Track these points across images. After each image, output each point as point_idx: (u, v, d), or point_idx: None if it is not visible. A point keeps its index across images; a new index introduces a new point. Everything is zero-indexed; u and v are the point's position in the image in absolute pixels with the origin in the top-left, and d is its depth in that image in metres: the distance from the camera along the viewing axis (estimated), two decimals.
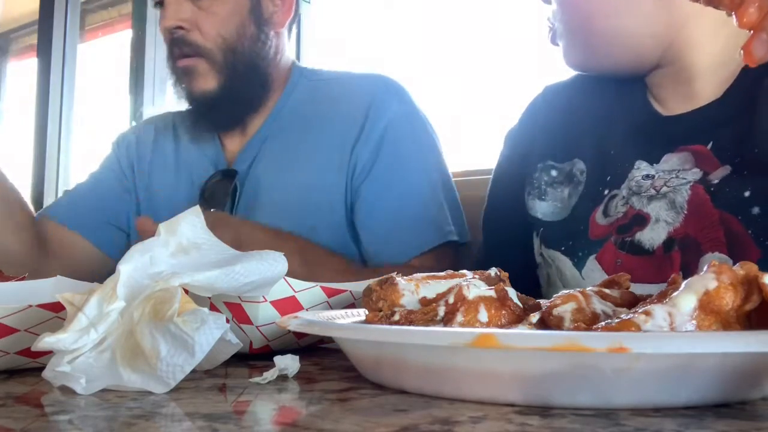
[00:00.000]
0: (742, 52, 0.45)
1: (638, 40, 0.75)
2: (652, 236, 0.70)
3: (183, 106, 1.08)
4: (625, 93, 0.80)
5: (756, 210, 0.65)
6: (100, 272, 0.95)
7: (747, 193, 0.66)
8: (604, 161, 0.78)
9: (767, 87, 0.68)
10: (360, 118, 0.99)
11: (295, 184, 1.00)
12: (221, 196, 1.01)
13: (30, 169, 2.34)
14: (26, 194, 2.26)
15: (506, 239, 0.88)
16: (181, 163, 1.11)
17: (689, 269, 0.67)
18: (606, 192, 0.76)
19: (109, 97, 2.59)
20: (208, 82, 1.01)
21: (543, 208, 0.81)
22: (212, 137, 1.09)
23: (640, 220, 0.71)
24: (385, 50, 1.96)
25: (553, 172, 0.82)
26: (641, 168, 0.74)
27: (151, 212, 1.04)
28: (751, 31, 0.44)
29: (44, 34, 2.43)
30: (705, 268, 0.36)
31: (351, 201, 0.98)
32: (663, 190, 0.71)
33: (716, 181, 0.68)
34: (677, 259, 0.68)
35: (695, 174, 0.70)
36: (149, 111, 2.36)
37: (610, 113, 0.81)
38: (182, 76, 1.02)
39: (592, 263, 0.73)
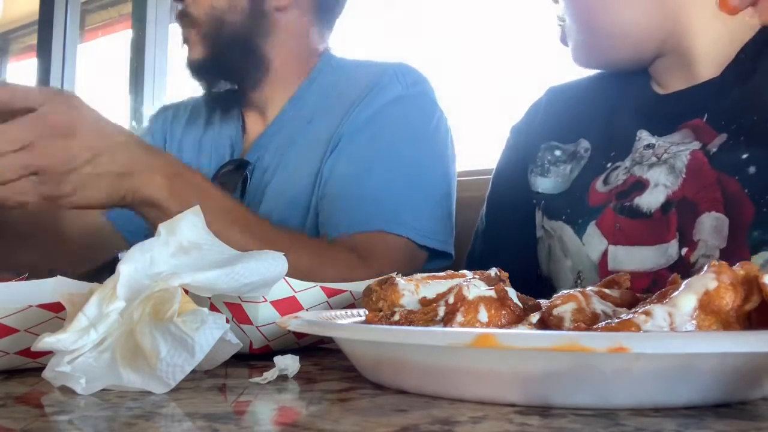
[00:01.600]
0: (718, 1, 0.45)
1: (638, 32, 0.77)
2: (650, 200, 0.71)
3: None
4: (630, 84, 0.82)
5: (752, 169, 0.66)
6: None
7: (745, 156, 0.67)
8: (609, 140, 0.80)
9: None
10: (356, 102, 0.95)
11: (294, 177, 0.97)
12: (231, 187, 1.01)
13: None
14: None
15: (508, 220, 0.88)
16: (204, 144, 1.10)
17: (685, 230, 0.68)
18: (609, 165, 0.77)
19: (109, 97, 2.59)
20: (197, 51, 1.00)
21: (545, 184, 0.83)
22: (236, 120, 1.08)
23: (639, 186, 0.73)
24: (385, 51, 1.96)
25: (557, 152, 0.84)
26: (642, 138, 0.75)
27: None
28: None
29: (44, 34, 2.43)
30: (705, 268, 0.36)
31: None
32: (664, 157, 0.72)
33: (715, 149, 0.69)
34: (674, 220, 0.69)
35: (694, 145, 0.71)
36: (149, 111, 2.36)
37: (614, 102, 0.83)
38: (185, 48, 1.03)
39: (592, 229, 0.75)
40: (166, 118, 1.16)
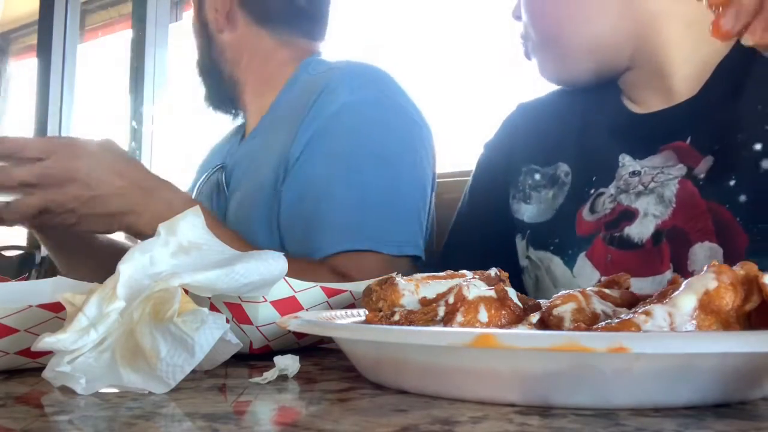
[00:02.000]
0: (711, 27, 0.45)
1: (607, 45, 0.76)
2: (640, 230, 0.71)
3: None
4: (599, 97, 0.81)
5: (743, 198, 0.66)
6: None
7: (732, 182, 0.66)
8: (588, 163, 0.79)
9: (753, 74, 0.69)
10: (305, 113, 0.93)
11: (253, 186, 0.98)
12: (209, 191, 1.08)
13: None
14: None
15: (485, 244, 0.87)
16: (216, 149, 1.19)
17: (679, 260, 0.67)
18: (592, 191, 0.77)
19: (109, 97, 2.59)
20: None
21: (529, 211, 0.82)
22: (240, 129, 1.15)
23: (628, 215, 0.72)
24: (384, 51, 1.97)
25: (537, 176, 0.83)
26: (626, 163, 0.75)
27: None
28: (719, 9, 0.45)
29: (44, 34, 2.43)
30: (705, 268, 0.36)
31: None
32: (651, 186, 0.71)
33: (702, 175, 0.69)
34: (666, 251, 0.69)
35: (680, 169, 0.71)
36: (149, 111, 2.36)
37: (586, 119, 0.82)
38: None
39: (582, 260, 0.74)
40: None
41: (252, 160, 1.02)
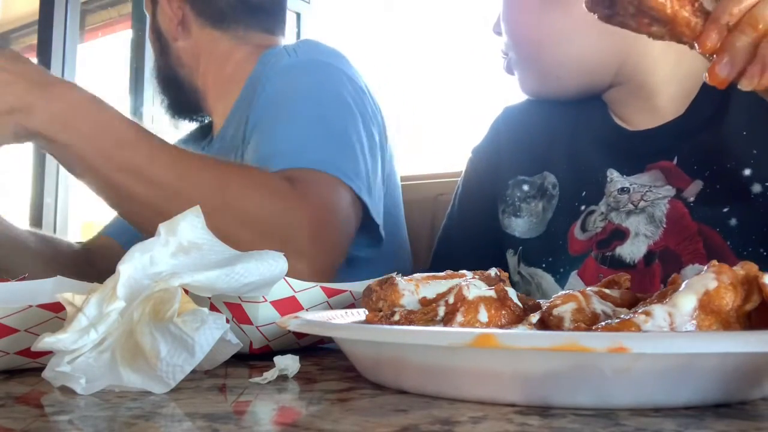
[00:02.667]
0: (707, 75, 0.46)
1: (589, 64, 0.76)
2: (632, 250, 0.71)
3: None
4: (585, 107, 0.81)
5: (734, 222, 0.66)
6: None
7: (726, 209, 0.67)
8: (576, 175, 0.79)
9: (736, 99, 0.69)
10: (254, 97, 0.91)
11: None
12: None
13: (30, 168, 2.34)
14: (26, 191, 2.25)
15: (475, 257, 0.86)
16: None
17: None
18: (583, 208, 0.77)
19: (109, 97, 2.59)
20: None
21: (520, 226, 0.82)
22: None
23: (620, 234, 0.72)
24: (384, 50, 1.97)
25: (525, 187, 0.82)
26: (614, 179, 0.75)
27: None
28: (713, 56, 0.46)
29: (44, 34, 2.43)
30: (705, 268, 0.36)
31: None
32: (641, 205, 0.71)
33: (692, 199, 0.69)
34: (658, 272, 0.69)
35: (668, 191, 0.71)
36: (149, 111, 2.36)
37: (572, 126, 0.82)
38: None
39: (574, 279, 0.74)
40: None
41: None
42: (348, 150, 0.83)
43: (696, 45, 0.46)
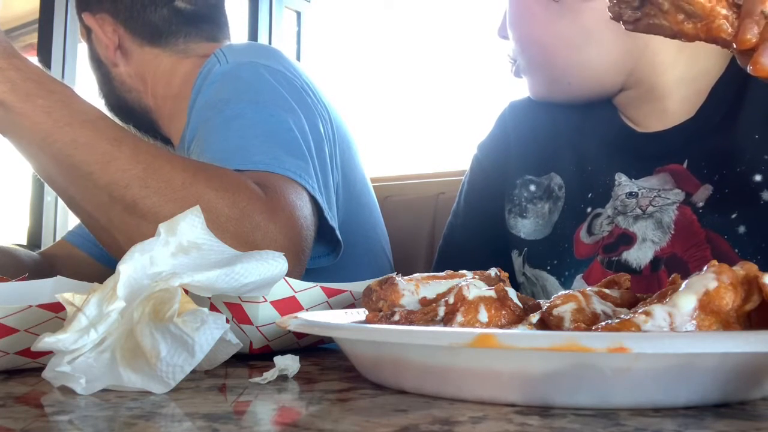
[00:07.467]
0: (751, 68, 0.45)
1: (600, 70, 0.75)
2: (638, 255, 0.70)
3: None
4: (594, 108, 0.80)
5: (742, 229, 0.66)
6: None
7: (734, 215, 0.66)
8: (583, 177, 0.78)
9: (750, 101, 0.68)
10: (192, 99, 0.88)
11: None
12: None
13: (30, 168, 2.34)
14: (25, 190, 2.25)
15: (481, 256, 0.86)
16: None
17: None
18: (589, 210, 0.76)
19: None
20: None
21: (526, 227, 0.81)
22: None
23: (627, 239, 0.72)
24: (384, 49, 1.97)
25: (532, 187, 0.82)
26: (622, 183, 0.74)
27: None
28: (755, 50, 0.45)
29: (44, 33, 2.43)
30: (705, 268, 0.36)
31: None
32: (649, 210, 0.71)
33: (701, 204, 0.69)
34: (665, 279, 0.69)
35: (677, 195, 0.70)
36: None
37: (580, 127, 0.81)
38: None
39: (579, 283, 0.74)
40: None
41: None
42: (293, 147, 0.78)
43: (734, 43, 0.45)
